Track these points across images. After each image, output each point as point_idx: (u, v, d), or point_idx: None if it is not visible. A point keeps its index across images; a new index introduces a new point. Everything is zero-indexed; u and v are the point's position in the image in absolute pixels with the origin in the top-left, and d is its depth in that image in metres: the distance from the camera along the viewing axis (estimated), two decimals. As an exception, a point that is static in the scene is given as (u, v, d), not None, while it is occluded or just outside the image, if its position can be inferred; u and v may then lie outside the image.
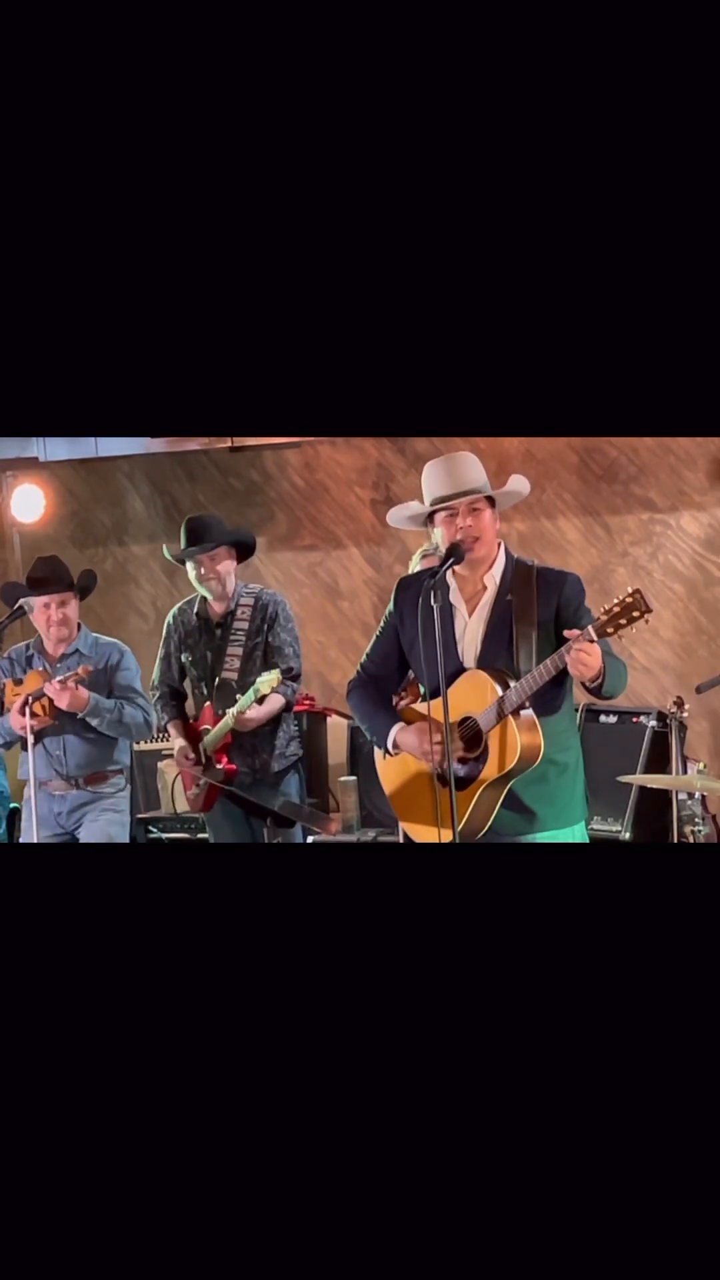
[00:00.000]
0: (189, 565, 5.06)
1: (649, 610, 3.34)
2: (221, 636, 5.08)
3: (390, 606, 3.86)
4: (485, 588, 3.71)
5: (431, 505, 3.68)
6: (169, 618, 5.26)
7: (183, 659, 5.19)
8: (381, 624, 3.93)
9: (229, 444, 6.62)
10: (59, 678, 4.77)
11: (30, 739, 4.74)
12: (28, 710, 4.74)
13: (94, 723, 4.89)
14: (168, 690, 5.26)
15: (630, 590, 3.38)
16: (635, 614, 3.35)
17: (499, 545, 3.73)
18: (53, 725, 4.86)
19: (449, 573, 3.66)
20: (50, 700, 4.78)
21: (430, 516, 3.69)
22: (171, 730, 5.23)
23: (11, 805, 5.60)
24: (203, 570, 5.02)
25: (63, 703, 4.75)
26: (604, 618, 3.39)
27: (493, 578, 3.71)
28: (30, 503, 7.01)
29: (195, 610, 5.16)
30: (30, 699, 4.75)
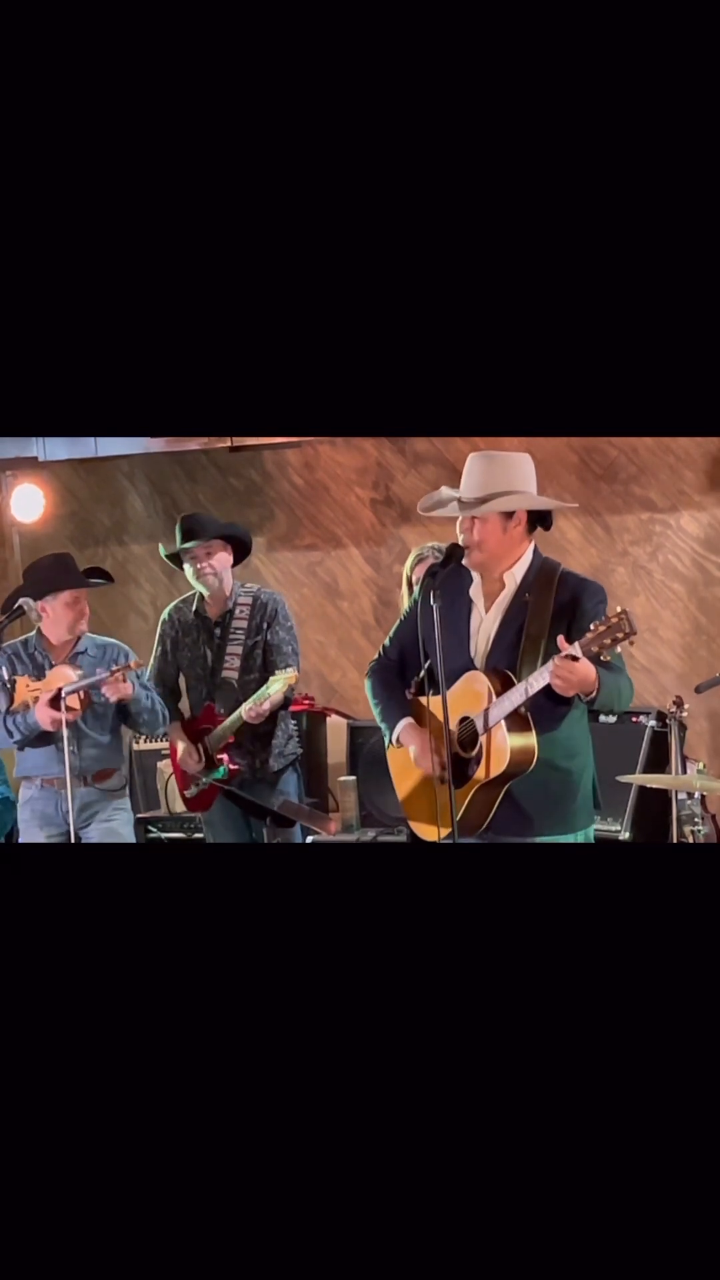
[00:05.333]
0: (185, 563, 5.06)
1: (634, 632, 3.36)
2: (221, 636, 5.08)
3: (416, 592, 3.86)
4: (505, 585, 3.71)
5: (425, 507, 3.72)
6: (164, 615, 5.26)
7: (179, 658, 5.19)
8: (405, 610, 3.95)
9: (229, 444, 6.62)
10: (107, 670, 4.74)
11: (65, 732, 4.71)
12: (63, 704, 4.71)
13: (133, 711, 4.88)
14: (164, 689, 5.25)
15: (618, 610, 3.39)
16: (620, 635, 3.36)
17: (530, 545, 3.72)
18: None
19: (472, 567, 3.70)
20: (84, 694, 4.75)
21: None
22: (170, 730, 5.22)
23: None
24: (200, 565, 5.02)
25: (114, 695, 4.73)
26: (589, 636, 3.40)
27: (513, 576, 3.71)
28: (30, 503, 7.00)
29: (194, 609, 5.16)
30: (65, 693, 4.72)
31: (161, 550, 5.20)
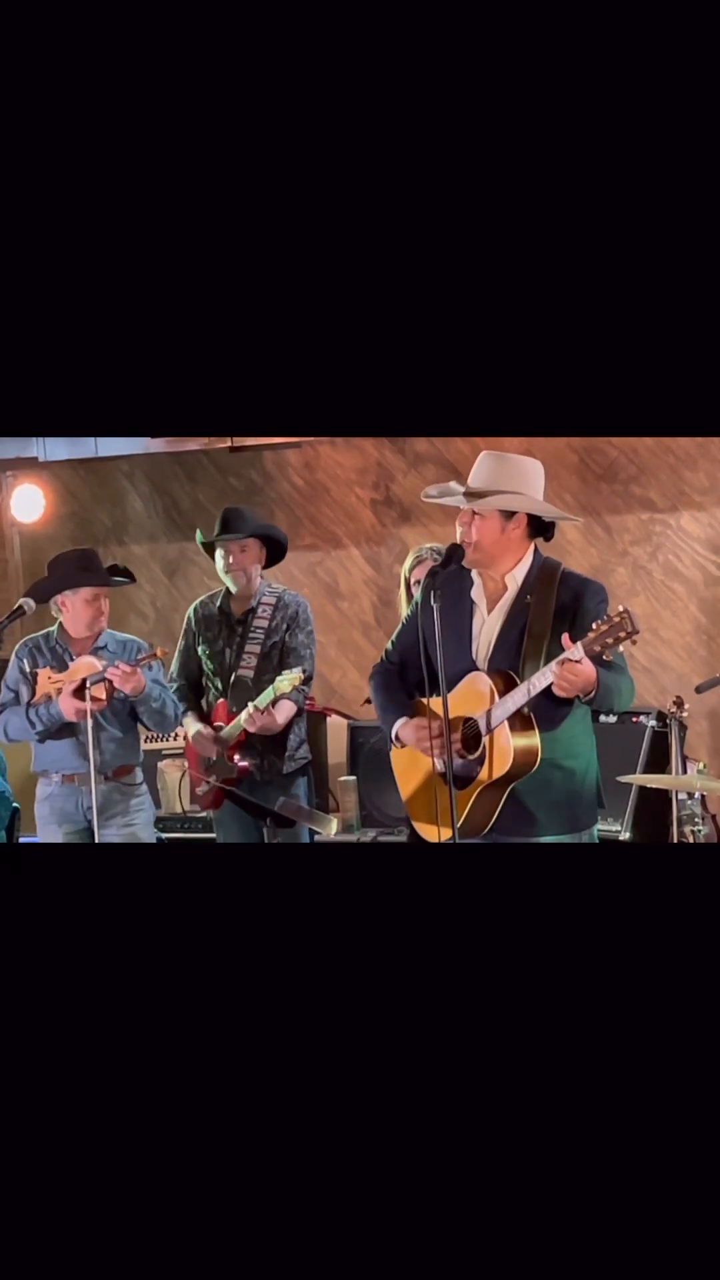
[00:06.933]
0: (217, 554, 5.07)
1: (636, 631, 3.35)
2: (241, 633, 5.08)
3: (419, 595, 3.85)
4: (506, 587, 3.71)
5: (430, 494, 3.73)
6: (190, 610, 5.25)
7: (200, 652, 5.19)
8: (408, 613, 3.94)
9: (229, 444, 6.62)
10: (123, 661, 4.71)
11: (90, 723, 4.68)
12: (87, 693, 4.69)
13: (141, 710, 4.86)
14: (186, 683, 5.24)
15: (620, 610, 3.38)
16: (622, 634, 3.35)
17: (530, 548, 3.71)
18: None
19: (474, 569, 3.70)
20: (109, 684, 4.73)
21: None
22: (187, 723, 5.20)
23: (14, 805, 5.55)
24: (231, 560, 5.03)
25: (128, 687, 4.70)
26: (591, 635, 3.39)
27: (514, 578, 3.71)
28: (30, 503, 7.01)
29: (218, 604, 5.16)
30: (89, 682, 4.70)
31: (199, 536, 5.20)
